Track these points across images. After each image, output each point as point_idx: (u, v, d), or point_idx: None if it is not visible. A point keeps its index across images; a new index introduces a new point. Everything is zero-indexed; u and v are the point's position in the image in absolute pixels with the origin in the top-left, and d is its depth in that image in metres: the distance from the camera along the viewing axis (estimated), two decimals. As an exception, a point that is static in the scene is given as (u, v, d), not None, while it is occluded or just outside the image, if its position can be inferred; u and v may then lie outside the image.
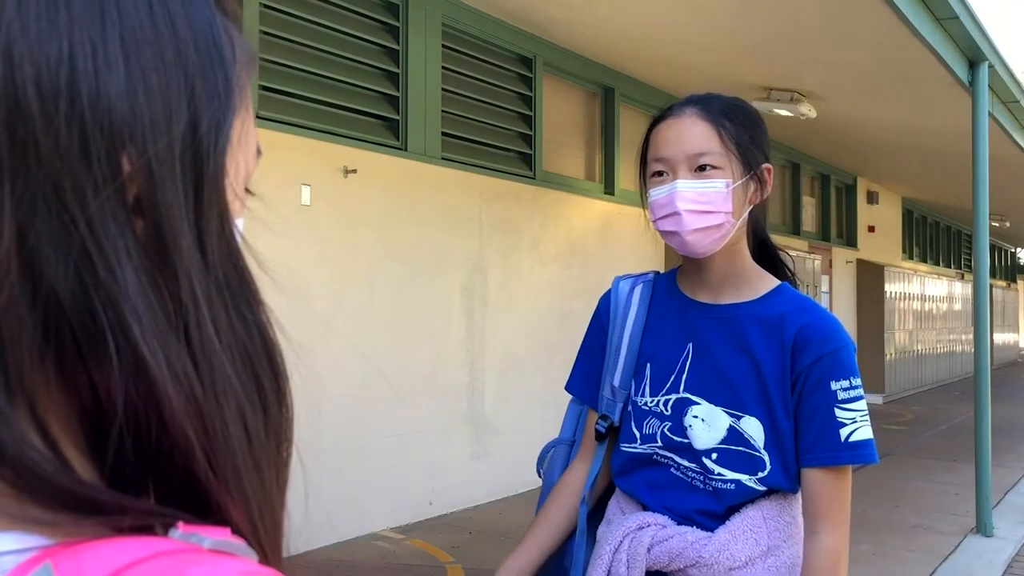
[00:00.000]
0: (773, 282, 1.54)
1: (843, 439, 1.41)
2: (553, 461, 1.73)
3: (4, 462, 0.36)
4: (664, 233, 1.50)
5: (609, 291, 1.66)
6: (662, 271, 1.67)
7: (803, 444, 1.43)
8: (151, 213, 0.39)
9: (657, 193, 1.48)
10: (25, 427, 0.37)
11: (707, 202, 1.45)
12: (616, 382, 1.57)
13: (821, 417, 1.42)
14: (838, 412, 1.41)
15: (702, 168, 1.45)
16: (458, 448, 5.76)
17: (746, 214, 1.50)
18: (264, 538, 0.42)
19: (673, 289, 1.59)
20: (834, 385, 1.42)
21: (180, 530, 0.37)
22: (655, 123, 1.54)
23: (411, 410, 5.38)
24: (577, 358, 1.69)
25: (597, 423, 1.60)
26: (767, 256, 1.61)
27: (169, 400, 0.38)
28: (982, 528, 5.62)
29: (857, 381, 1.44)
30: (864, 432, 1.42)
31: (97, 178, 0.37)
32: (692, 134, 1.47)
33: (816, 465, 1.42)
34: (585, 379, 1.66)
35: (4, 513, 0.37)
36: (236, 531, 0.40)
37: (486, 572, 4.49)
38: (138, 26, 0.39)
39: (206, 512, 0.40)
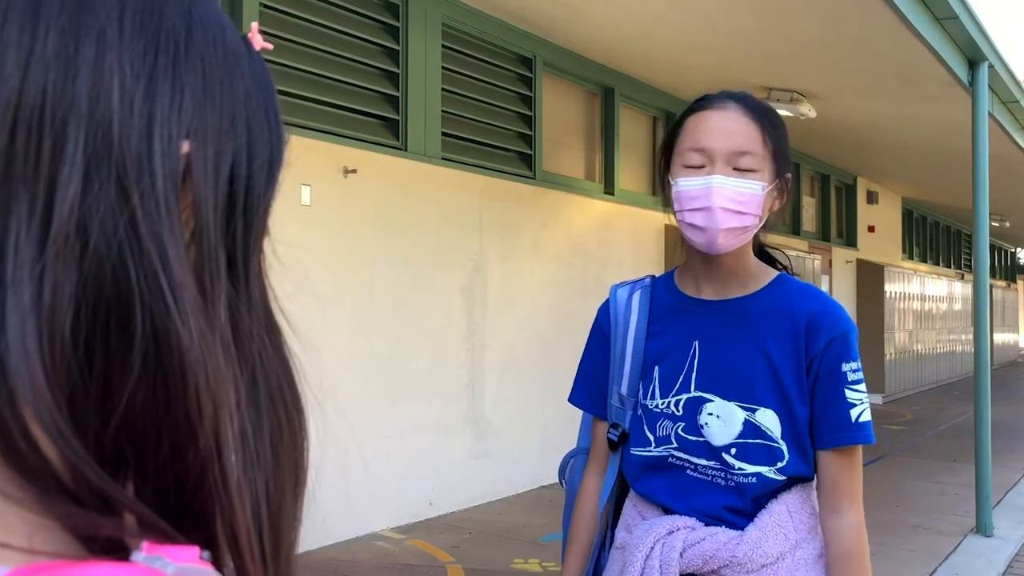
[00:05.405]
0: (772, 273, 1.55)
1: (854, 419, 1.44)
2: (574, 470, 1.71)
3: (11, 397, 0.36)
4: (689, 227, 1.45)
5: (607, 301, 1.63)
6: (659, 273, 1.65)
7: (820, 427, 1.45)
8: (195, 209, 0.42)
9: (688, 184, 1.43)
10: (39, 379, 0.37)
11: (743, 202, 1.42)
12: (624, 390, 1.55)
13: (836, 399, 1.44)
14: (848, 393, 1.44)
15: (740, 168, 1.42)
16: (458, 448, 5.76)
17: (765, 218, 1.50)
18: (256, 550, 0.43)
19: (672, 289, 1.57)
20: (844, 367, 1.45)
21: (144, 552, 0.37)
22: (691, 112, 1.49)
23: (411, 410, 5.37)
24: (579, 369, 1.67)
25: (608, 432, 1.57)
26: (761, 249, 1.62)
27: (193, 375, 0.40)
28: (982, 528, 5.62)
29: (859, 364, 1.48)
30: (868, 413, 1.46)
31: (156, 158, 0.41)
32: (736, 129, 1.42)
33: (833, 446, 1.44)
34: (587, 390, 1.64)
35: None
36: (210, 544, 0.40)
37: (486, 572, 4.49)
38: (217, 70, 0.46)
39: (186, 517, 0.41)
